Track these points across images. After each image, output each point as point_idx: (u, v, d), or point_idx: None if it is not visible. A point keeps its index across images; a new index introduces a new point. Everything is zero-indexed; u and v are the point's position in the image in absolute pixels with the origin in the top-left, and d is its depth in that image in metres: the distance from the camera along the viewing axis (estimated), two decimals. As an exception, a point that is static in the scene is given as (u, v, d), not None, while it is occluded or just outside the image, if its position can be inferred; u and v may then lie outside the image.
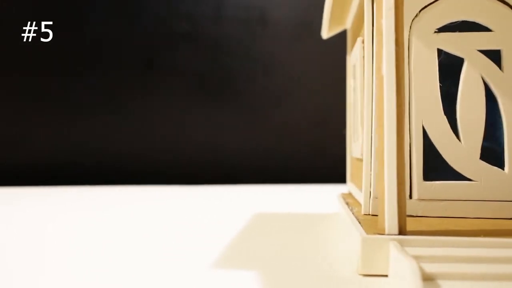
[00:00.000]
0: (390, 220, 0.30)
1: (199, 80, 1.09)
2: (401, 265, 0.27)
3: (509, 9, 0.37)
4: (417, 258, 0.27)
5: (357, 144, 0.46)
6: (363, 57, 0.43)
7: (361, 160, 0.45)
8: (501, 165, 0.37)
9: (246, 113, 1.09)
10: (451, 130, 0.37)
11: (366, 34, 0.39)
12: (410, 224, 0.34)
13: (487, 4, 0.37)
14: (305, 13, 1.07)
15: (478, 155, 0.37)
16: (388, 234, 0.30)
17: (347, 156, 0.56)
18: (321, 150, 1.06)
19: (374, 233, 0.31)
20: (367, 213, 0.38)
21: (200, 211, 0.62)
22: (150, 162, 1.10)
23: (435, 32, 0.37)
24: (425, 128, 0.37)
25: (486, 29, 0.37)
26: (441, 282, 0.25)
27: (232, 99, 1.09)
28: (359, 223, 0.35)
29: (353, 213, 0.39)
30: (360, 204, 0.44)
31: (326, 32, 0.56)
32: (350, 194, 0.53)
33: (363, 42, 0.43)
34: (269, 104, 1.09)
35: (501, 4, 0.37)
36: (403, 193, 0.31)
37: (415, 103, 0.37)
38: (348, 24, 0.56)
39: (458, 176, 0.37)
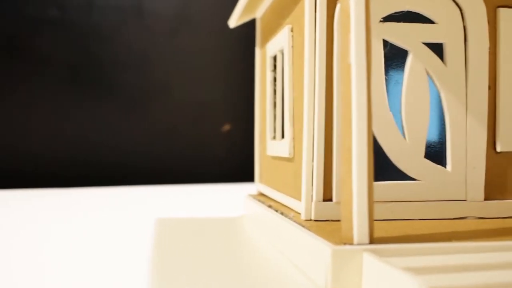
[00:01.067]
0: (359, 228, 0.27)
1: (70, 71, 0.98)
2: (395, 280, 0.23)
3: (453, 1, 0.35)
4: (409, 270, 0.24)
5: (281, 142, 0.42)
6: (292, 46, 0.40)
7: (286, 159, 0.41)
8: (443, 163, 0.35)
9: (122, 108, 1.00)
10: (396, 127, 0.35)
11: (307, 21, 0.35)
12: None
13: (429, -5, 0.35)
14: (184, 4, 1.01)
15: (423, 154, 0.35)
16: (358, 244, 0.27)
17: (256, 155, 0.52)
18: (200, 147, 1.00)
19: (340, 243, 0.27)
20: (309, 219, 0.35)
21: (71, 218, 0.54)
22: (14, 163, 0.96)
23: (381, 21, 0.35)
24: (370, 124, 0.34)
25: (430, 21, 0.35)
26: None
27: (106, 93, 0.99)
28: (309, 230, 0.31)
29: (290, 219, 0.35)
30: (287, 207, 0.40)
31: (235, 21, 0.52)
32: (263, 195, 0.49)
33: (292, 30, 0.40)
34: (147, 99, 1.01)
35: (442, -4, 0.36)
36: (372, 197, 0.27)
37: (360, 97, 0.34)
38: (259, 13, 0.52)
39: (403, 176, 0.35)
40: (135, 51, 1.00)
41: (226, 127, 0.94)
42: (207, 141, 1.00)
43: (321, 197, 0.34)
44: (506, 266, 0.25)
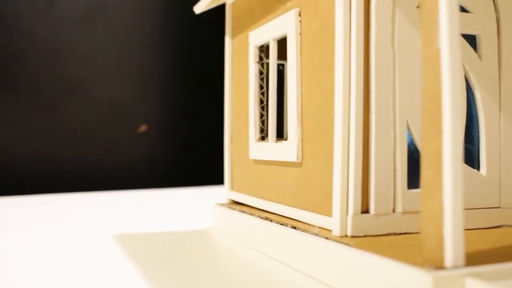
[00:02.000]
0: (455, 247, 0.22)
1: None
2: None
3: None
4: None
5: (281, 145, 0.36)
6: (300, 33, 0.34)
7: (285, 164, 0.36)
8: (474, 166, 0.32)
9: (24, 107, 0.86)
10: (436, 127, 0.31)
11: (339, 3, 0.30)
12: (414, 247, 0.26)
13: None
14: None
15: (461, 157, 0.31)
16: (454, 267, 0.22)
17: (226, 159, 0.46)
18: (114, 149, 0.90)
19: (427, 266, 0.23)
20: (344, 235, 0.29)
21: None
22: None
23: (417, 7, 0.30)
24: (409, 126, 0.30)
25: (465, 10, 0.32)
26: None
27: (7, 90, 0.85)
28: (365, 251, 0.26)
29: (319, 235, 0.30)
30: (292, 220, 0.35)
31: (204, 6, 0.45)
32: (240, 205, 0.43)
33: (299, 14, 0.34)
34: (59, 94, 0.89)
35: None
36: (462, 209, 0.23)
37: (399, 94, 0.30)
38: (231, -4, 0.46)
39: (441, 182, 0.31)
40: (42, 42, 0.87)
41: (143, 128, 0.85)
42: (123, 143, 0.90)
43: (359, 210, 0.29)
44: None
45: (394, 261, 0.24)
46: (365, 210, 0.30)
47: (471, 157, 0.32)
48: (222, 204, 0.44)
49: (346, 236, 0.29)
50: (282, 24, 0.36)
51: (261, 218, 0.37)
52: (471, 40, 0.32)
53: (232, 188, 0.45)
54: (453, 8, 0.23)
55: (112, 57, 0.91)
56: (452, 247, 0.22)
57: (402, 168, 0.30)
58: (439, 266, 0.22)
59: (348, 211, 0.29)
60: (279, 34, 0.37)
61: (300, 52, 0.34)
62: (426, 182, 0.23)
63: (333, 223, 0.30)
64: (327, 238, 0.29)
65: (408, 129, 0.30)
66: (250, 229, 0.38)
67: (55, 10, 0.88)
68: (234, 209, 0.42)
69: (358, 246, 0.27)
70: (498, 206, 0.33)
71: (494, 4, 0.33)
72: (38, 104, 0.87)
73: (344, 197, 0.30)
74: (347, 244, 0.27)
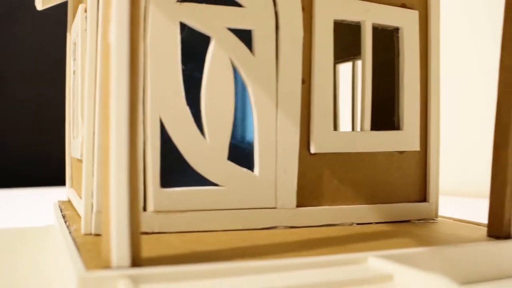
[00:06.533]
0: (119, 247, 0.22)
1: None
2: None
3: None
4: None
5: (77, 141, 0.36)
6: (85, 30, 0.34)
7: (81, 161, 0.35)
8: (250, 166, 0.31)
9: None
10: (194, 125, 0.30)
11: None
12: (145, 246, 0.25)
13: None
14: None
15: (226, 155, 0.30)
16: (117, 268, 0.21)
17: (67, 156, 0.46)
18: (34, 146, 0.90)
19: (97, 267, 0.22)
20: (89, 233, 0.29)
21: None
22: None
23: (178, 1, 0.30)
24: (163, 122, 0.29)
25: (238, 5, 0.31)
26: None
27: None
28: (77, 249, 0.25)
29: (70, 232, 0.29)
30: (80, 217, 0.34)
31: (41, 3, 0.44)
32: (70, 203, 0.43)
33: (85, 10, 0.34)
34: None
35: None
36: (137, 207, 0.22)
37: (151, 90, 0.29)
38: (68, -9, 0.45)
39: (203, 181, 0.30)
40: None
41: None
42: (42, 140, 0.89)
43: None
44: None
45: (77, 261, 0.23)
46: (113, 209, 0.29)
47: (245, 156, 0.32)
48: (60, 201, 0.44)
49: (90, 233, 0.29)
50: (78, 22, 0.35)
51: (61, 215, 0.36)
52: (248, 34, 0.31)
53: (72, 185, 0.45)
54: (123, 4, 0.22)
55: (28, 49, 0.90)
56: (116, 249, 0.22)
57: (154, 166, 0.29)
58: (107, 267, 0.22)
59: (93, 208, 0.29)
60: (77, 33, 0.36)
61: (84, 49, 0.33)
62: (102, 180, 0.23)
63: (82, 219, 0.29)
64: (70, 234, 0.29)
65: (163, 127, 0.29)
66: (56, 225, 0.38)
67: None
68: (58, 206, 0.41)
69: (81, 246, 0.26)
70: (274, 206, 0.32)
71: (273, -1, 0.32)
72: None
73: (89, 195, 0.29)
74: (74, 242, 0.27)
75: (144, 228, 0.29)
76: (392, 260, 0.25)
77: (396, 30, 0.36)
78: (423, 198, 0.37)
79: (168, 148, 0.30)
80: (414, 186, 0.36)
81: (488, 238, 0.30)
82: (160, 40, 0.29)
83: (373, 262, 0.25)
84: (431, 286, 0.21)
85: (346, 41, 0.39)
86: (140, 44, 0.22)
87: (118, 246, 0.22)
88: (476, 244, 0.28)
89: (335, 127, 0.33)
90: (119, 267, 0.21)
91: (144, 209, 0.29)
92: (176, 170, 0.30)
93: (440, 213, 0.38)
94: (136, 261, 0.22)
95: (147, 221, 0.29)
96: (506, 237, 0.30)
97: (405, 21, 0.35)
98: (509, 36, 0.31)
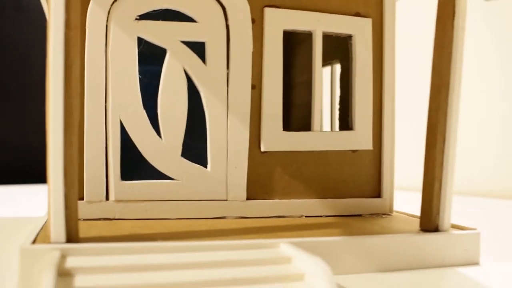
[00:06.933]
0: (55, 226, 0.26)
1: None
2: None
3: (216, 0, 0.35)
4: (70, 270, 0.24)
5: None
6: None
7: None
8: (204, 163, 0.35)
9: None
10: (150, 126, 0.34)
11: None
12: (102, 229, 0.30)
13: (192, -7, 0.35)
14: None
15: (179, 153, 0.35)
16: (54, 243, 0.26)
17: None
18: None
19: (41, 243, 0.27)
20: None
21: None
22: None
23: (136, 19, 0.34)
24: (123, 123, 0.34)
25: (191, 20, 0.35)
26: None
27: None
28: (41, 229, 0.30)
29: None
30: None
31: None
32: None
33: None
34: (30, 97, 0.98)
35: (206, -5, 0.35)
36: (74, 195, 0.27)
37: (112, 95, 0.34)
38: None
39: (160, 175, 0.35)
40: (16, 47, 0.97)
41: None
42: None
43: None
44: (182, 266, 0.25)
45: (30, 237, 0.28)
46: (81, 198, 0.34)
47: (198, 154, 0.36)
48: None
49: (60, 219, 0.34)
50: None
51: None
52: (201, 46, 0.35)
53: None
54: (59, 29, 0.26)
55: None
56: (54, 226, 0.26)
57: (114, 162, 0.34)
58: (46, 241, 0.27)
59: (61, 197, 0.34)
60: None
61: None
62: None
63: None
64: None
65: (123, 127, 0.34)
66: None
67: (24, 16, 0.97)
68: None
69: (45, 227, 0.31)
70: (225, 198, 0.35)
71: (224, 13, 0.35)
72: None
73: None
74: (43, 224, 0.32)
75: (106, 215, 0.34)
76: (305, 247, 0.28)
77: (349, 37, 0.38)
78: (378, 194, 0.39)
79: (128, 146, 0.34)
80: (368, 182, 0.39)
81: (418, 231, 0.33)
82: (120, 53, 0.34)
83: (283, 247, 0.28)
84: (313, 269, 0.24)
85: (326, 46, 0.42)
86: (75, 60, 0.27)
87: (55, 225, 0.26)
88: (397, 235, 0.31)
89: (287, 128, 0.37)
90: (55, 242, 0.26)
91: (107, 198, 0.34)
92: (136, 165, 0.34)
93: (408, 209, 0.41)
94: (71, 238, 0.26)
95: (109, 209, 0.34)
96: (434, 230, 0.32)
97: (357, 29, 0.38)
98: (438, 41, 0.33)
